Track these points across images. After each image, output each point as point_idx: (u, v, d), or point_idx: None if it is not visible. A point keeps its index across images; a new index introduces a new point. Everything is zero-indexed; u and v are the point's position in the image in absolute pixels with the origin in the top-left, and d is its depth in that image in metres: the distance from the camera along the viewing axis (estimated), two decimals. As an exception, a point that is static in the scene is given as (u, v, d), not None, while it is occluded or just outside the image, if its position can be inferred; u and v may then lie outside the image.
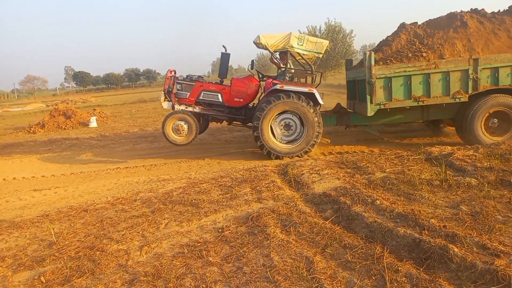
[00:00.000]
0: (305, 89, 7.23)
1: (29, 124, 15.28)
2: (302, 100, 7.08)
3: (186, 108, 7.73)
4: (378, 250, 2.98)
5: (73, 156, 9.04)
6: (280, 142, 7.34)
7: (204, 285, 2.71)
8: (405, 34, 7.53)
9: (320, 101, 7.28)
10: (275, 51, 7.56)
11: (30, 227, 4.23)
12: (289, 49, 7.31)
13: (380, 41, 8.42)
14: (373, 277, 2.65)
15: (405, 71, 6.71)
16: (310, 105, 7.12)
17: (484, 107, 6.80)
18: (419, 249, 2.89)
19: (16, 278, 3.08)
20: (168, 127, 7.40)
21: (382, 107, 6.91)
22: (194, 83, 7.78)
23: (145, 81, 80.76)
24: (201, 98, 7.76)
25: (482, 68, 6.60)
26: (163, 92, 7.88)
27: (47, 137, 12.01)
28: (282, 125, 7.31)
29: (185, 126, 7.38)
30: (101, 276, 2.98)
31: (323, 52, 7.44)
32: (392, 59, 7.01)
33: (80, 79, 75.68)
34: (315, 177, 5.08)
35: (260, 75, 8.03)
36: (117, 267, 3.12)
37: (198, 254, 3.20)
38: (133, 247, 3.48)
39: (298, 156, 7.27)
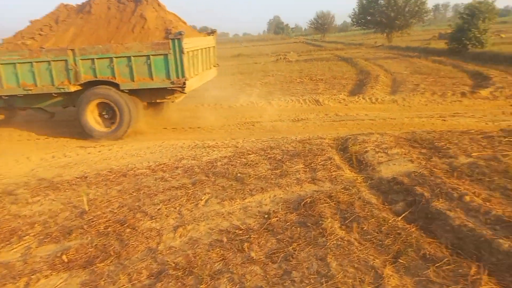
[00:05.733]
0: None
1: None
2: None
3: None
4: (473, 269, 2.25)
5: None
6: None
7: (242, 292, 2.20)
8: (49, 17, 7.22)
9: None
10: None
11: (67, 190, 4.00)
12: None
13: None
14: (470, 313, 1.95)
15: (10, 59, 6.57)
16: None
17: (85, 98, 6.64)
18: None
19: (39, 252, 2.80)
20: None
21: None
22: None
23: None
24: None
25: (81, 59, 6.41)
26: None
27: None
28: None
29: None
30: (126, 262, 2.58)
31: None
32: (13, 44, 6.86)
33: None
34: (382, 156, 4.27)
35: None
36: (146, 252, 2.71)
37: (239, 246, 2.68)
38: (167, 226, 3.06)
39: None
